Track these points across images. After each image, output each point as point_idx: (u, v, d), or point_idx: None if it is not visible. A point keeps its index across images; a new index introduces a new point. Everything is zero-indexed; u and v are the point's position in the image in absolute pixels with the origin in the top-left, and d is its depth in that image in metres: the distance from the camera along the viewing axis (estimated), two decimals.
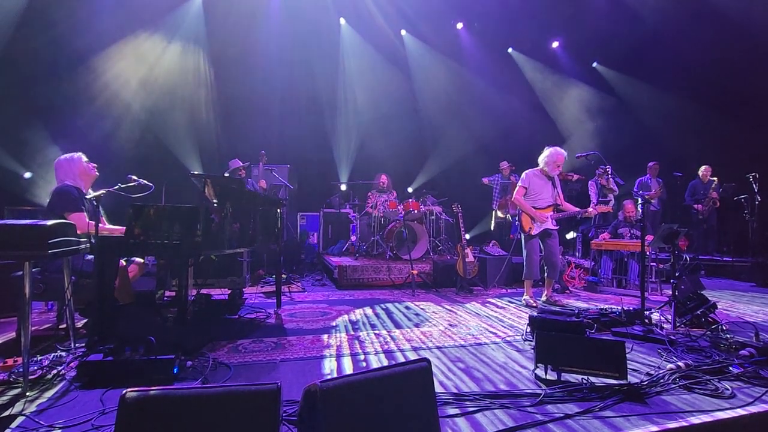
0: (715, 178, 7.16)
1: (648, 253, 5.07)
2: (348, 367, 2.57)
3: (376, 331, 3.37)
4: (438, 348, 2.97)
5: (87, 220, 2.85)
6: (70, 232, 2.34)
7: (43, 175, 6.23)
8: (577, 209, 4.57)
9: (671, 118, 8.66)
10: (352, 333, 3.31)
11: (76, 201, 2.93)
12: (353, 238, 7.32)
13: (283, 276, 5.28)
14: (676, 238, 3.65)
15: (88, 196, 2.84)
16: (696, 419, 1.91)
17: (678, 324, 3.38)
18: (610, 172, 7.04)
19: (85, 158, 3.21)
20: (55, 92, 6.41)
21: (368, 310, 4.13)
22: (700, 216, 7.18)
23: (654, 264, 5.46)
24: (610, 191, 6.82)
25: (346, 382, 1.42)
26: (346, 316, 3.86)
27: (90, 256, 2.87)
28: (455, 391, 2.19)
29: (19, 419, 1.82)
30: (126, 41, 6.98)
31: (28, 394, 2.05)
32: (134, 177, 3.03)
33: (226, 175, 5.77)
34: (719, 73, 7.86)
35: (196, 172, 7.34)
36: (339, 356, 2.76)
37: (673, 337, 3.03)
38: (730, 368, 2.45)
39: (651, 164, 7.42)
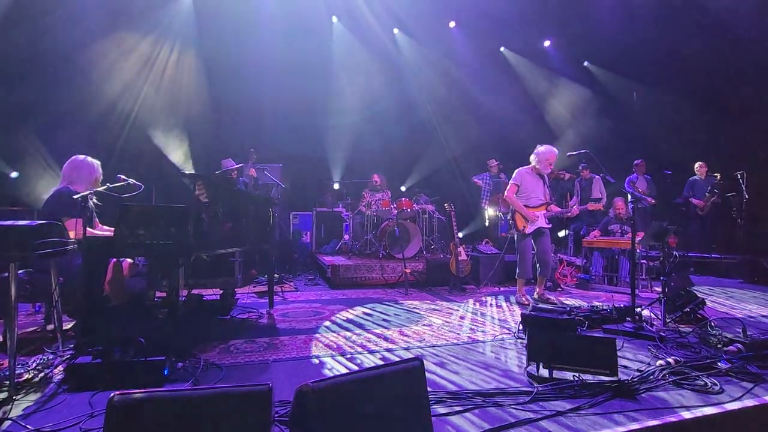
0: (717, 175, 7.02)
1: (638, 250, 5.13)
2: (341, 367, 2.56)
3: (369, 330, 3.37)
4: (431, 346, 2.97)
5: (84, 225, 2.79)
6: (57, 233, 2.30)
7: (30, 174, 6.12)
8: (560, 209, 4.62)
9: (661, 117, 8.75)
10: (345, 332, 3.30)
11: (78, 207, 2.85)
12: (346, 237, 7.31)
13: (276, 275, 5.24)
14: (666, 235, 3.70)
15: (75, 196, 2.79)
16: (686, 415, 1.94)
17: (668, 320, 3.42)
18: (591, 174, 7.11)
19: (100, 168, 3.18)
20: (42, 90, 6.30)
21: (361, 309, 4.13)
22: (699, 212, 7.22)
23: (644, 261, 5.52)
24: (595, 201, 6.84)
25: (339, 382, 1.41)
26: (339, 316, 3.85)
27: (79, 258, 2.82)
28: (448, 389, 2.20)
29: (5, 423, 1.79)
30: (114, 38, 6.87)
31: (14, 397, 2.01)
32: (123, 176, 2.98)
33: (218, 173, 5.72)
34: (708, 71, 7.96)
35: (186, 172, 7.29)
36: (332, 356, 2.75)
37: (663, 334, 3.06)
38: (719, 364, 2.49)
39: (637, 162, 7.50)
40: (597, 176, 7.19)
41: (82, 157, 3.14)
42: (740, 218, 6.70)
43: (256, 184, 6.49)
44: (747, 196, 6.58)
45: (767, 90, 7.28)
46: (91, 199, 2.95)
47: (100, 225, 3.23)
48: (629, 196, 6.64)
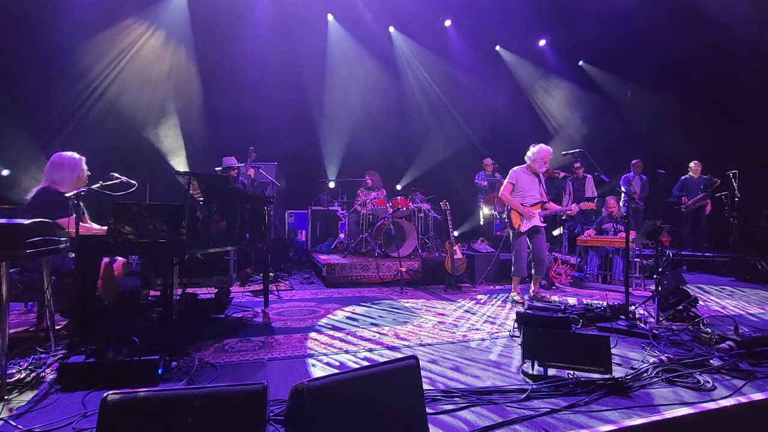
0: (717, 180, 6.98)
1: (632, 249, 5.16)
2: (336, 366, 2.56)
3: (365, 329, 3.37)
4: (426, 345, 2.97)
5: (74, 222, 2.76)
6: (49, 230, 2.27)
7: (22, 172, 6.05)
8: (559, 207, 4.64)
9: (655, 116, 8.82)
10: (341, 331, 3.30)
11: (64, 207, 2.80)
12: (342, 235, 7.30)
13: (271, 274, 5.23)
14: (659, 234, 3.72)
15: (68, 194, 2.76)
16: (678, 411, 1.95)
17: (661, 318, 3.45)
18: (585, 173, 7.16)
19: (85, 164, 3.09)
20: (33, 86, 6.23)
21: (357, 308, 4.12)
22: (683, 209, 7.28)
23: (638, 260, 5.56)
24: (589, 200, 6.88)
25: (334, 380, 1.41)
26: (334, 314, 3.85)
27: (72, 255, 2.79)
28: (443, 387, 2.20)
29: None
30: (107, 34, 6.81)
31: (5, 397, 1.99)
32: (116, 174, 2.95)
33: (218, 169, 5.70)
34: (702, 71, 8.02)
35: (180, 170, 7.24)
36: (327, 354, 2.75)
37: (656, 332, 3.09)
38: (711, 361, 2.51)
39: (634, 162, 7.55)
40: (589, 175, 7.24)
41: (65, 154, 3.01)
42: (732, 217, 6.76)
43: (254, 184, 6.46)
44: (739, 195, 6.64)
45: (761, 90, 7.35)
46: (79, 198, 2.89)
47: (89, 222, 3.18)
48: (622, 195, 6.68)
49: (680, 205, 7.40)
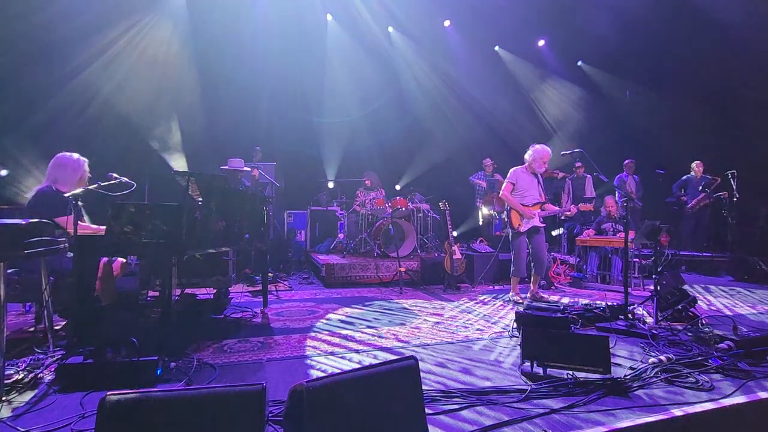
0: (717, 178, 6.97)
1: (631, 249, 5.17)
2: (335, 366, 2.55)
3: (364, 329, 3.36)
4: (425, 345, 2.97)
5: (75, 224, 2.76)
6: (47, 231, 2.26)
7: (20, 172, 6.03)
8: (557, 209, 4.64)
9: (653, 116, 8.83)
10: (340, 331, 3.30)
11: (64, 206, 2.80)
12: (341, 235, 7.29)
13: (270, 274, 5.22)
14: (658, 234, 3.72)
15: (66, 194, 2.75)
16: (677, 412, 1.95)
17: (660, 318, 3.45)
18: (585, 173, 7.17)
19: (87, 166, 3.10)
20: (31, 86, 6.21)
21: (356, 308, 4.12)
22: (688, 209, 7.29)
23: (637, 260, 5.56)
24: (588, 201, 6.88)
25: (333, 381, 1.41)
26: (333, 315, 3.84)
27: (70, 255, 2.78)
28: (443, 388, 2.20)
29: None
30: (106, 33, 6.79)
31: (3, 398, 1.98)
32: (115, 175, 2.94)
33: (224, 168, 5.69)
34: (701, 71, 8.03)
35: (179, 170, 7.23)
36: (326, 355, 2.75)
37: (655, 332, 3.09)
38: (710, 361, 2.51)
39: (627, 162, 7.56)
40: (589, 175, 7.25)
41: (68, 155, 3.04)
42: (731, 217, 6.76)
43: (255, 184, 6.45)
44: (737, 196, 6.65)
45: (760, 90, 7.36)
46: (78, 199, 2.89)
47: (87, 224, 3.18)
48: (617, 194, 6.68)
49: (681, 205, 7.40)
